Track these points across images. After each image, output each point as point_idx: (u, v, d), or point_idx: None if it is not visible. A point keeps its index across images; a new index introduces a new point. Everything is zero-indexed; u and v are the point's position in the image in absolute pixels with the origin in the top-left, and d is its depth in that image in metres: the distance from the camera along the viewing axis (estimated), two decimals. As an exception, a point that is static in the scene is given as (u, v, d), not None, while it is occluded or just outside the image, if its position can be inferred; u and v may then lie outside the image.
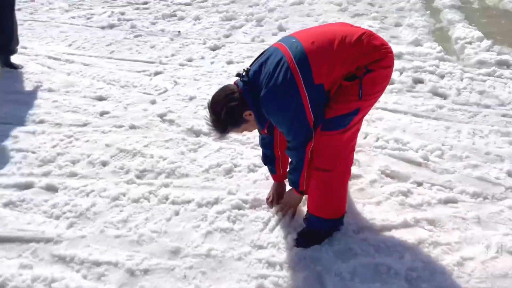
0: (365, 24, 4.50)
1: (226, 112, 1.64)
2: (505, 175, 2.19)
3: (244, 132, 2.01)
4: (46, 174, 2.35)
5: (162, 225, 2.00)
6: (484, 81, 3.23)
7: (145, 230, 1.97)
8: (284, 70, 1.58)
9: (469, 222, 1.91)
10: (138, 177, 2.32)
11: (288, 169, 1.87)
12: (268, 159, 2.03)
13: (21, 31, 5.02)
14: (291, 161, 1.82)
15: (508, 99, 2.97)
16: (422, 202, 2.04)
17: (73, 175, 2.34)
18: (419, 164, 2.32)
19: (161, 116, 2.94)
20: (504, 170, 2.22)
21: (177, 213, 2.07)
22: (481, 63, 3.49)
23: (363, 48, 1.62)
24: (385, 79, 1.72)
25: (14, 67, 3.87)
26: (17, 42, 3.92)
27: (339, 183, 1.79)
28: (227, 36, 4.56)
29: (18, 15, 5.67)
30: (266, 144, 1.99)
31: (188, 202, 2.13)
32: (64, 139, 2.68)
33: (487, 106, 2.89)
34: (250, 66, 1.75)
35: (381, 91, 1.73)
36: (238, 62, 3.85)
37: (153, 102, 3.16)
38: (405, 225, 1.91)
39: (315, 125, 1.64)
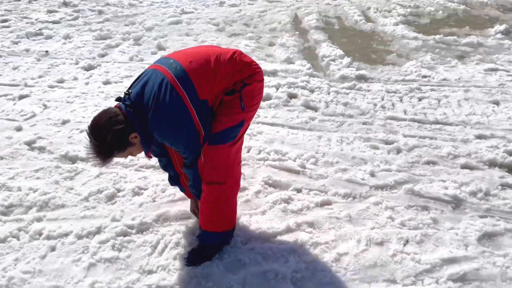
0: (242, 43, 4.73)
1: (112, 135, 1.55)
2: (368, 176, 2.48)
3: (129, 156, 1.94)
4: None
5: (35, 264, 1.80)
6: (347, 93, 3.62)
7: (15, 272, 1.75)
8: (169, 90, 1.58)
9: (342, 220, 2.11)
10: (3, 213, 2.06)
11: (188, 186, 1.87)
12: (173, 179, 2.01)
13: None
14: (188, 178, 1.83)
15: (367, 108, 3.38)
16: (302, 207, 2.19)
17: None
18: (297, 172, 2.49)
19: (29, 143, 2.66)
20: (367, 171, 2.51)
21: (53, 249, 1.88)
22: (344, 78, 3.91)
23: (237, 65, 1.72)
24: (260, 92, 1.84)
25: None
26: None
27: (231, 194, 1.85)
28: (102, 56, 4.37)
29: None
30: (166, 165, 1.96)
31: (66, 235, 1.95)
32: None
33: (351, 116, 3.24)
34: (130, 89, 1.70)
35: (258, 102, 1.85)
36: (116, 82, 3.70)
37: (19, 128, 2.85)
38: (288, 230, 2.03)
39: (204, 140, 1.68)
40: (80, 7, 6.12)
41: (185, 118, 1.60)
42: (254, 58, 4.14)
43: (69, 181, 2.34)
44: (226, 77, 1.70)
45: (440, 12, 6.11)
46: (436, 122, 3.13)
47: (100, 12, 5.93)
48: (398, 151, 2.75)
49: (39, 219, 2.04)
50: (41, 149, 2.62)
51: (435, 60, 4.30)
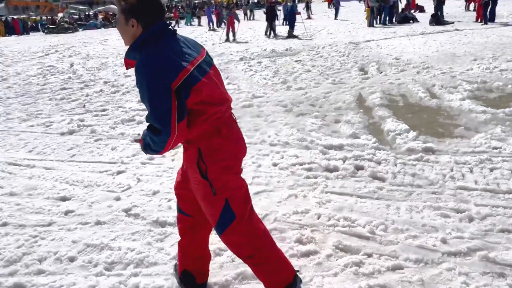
0: (309, 121, 5.09)
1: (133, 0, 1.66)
2: (440, 243, 2.50)
3: None
4: (12, 274, 2.35)
5: (133, 314, 2.05)
6: (415, 165, 3.72)
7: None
8: (190, 53, 1.71)
9: (415, 284, 2.14)
10: (107, 269, 2.38)
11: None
12: None
13: (-22, 140, 5.12)
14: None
15: (436, 179, 3.42)
16: (373, 271, 2.26)
17: (40, 272, 2.36)
18: (367, 238, 2.59)
19: (126, 211, 3.07)
20: (439, 238, 2.54)
21: (147, 301, 2.13)
22: (410, 151, 4.03)
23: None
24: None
25: None
26: None
27: (263, 258, 1.88)
28: (185, 137, 4.92)
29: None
30: None
31: (159, 288, 2.21)
32: (29, 239, 2.71)
33: (419, 186, 3.31)
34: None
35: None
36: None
37: (118, 198, 3.30)
38: (361, 292, 2.11)
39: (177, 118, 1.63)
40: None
41: (169, 79, 1.59)
42: (319, 135, 4.47)
43: (160, 242, 2.65)
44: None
45: (509, 86, 6.11)
46: (510, 192, 3.09)
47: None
48: (471, 219, 2.75)
49: (135, 275, 2.33)
50: (136, 216, 3.00)
51: (505, 132, 4.28)
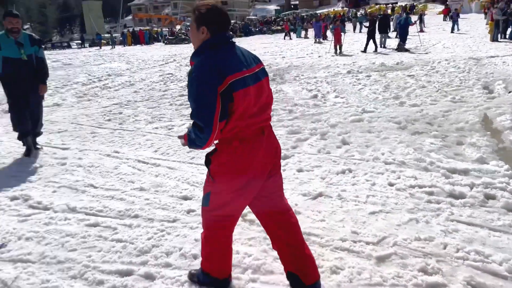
0: (427, 141, 4.77)
1: (207, 11, 1.94)
2: None
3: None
4: (143, 263, 2.58)
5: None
6: (559, 199, 3.24)
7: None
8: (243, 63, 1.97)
9: None
10: (226, 271, 2.48)
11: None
12: None
13: (112, 138, 5.78)
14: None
15: None
16: (514, 316, 2.01)
17: (168, 265, 2.55)
18: (505, 278, 2.31)
19: (243, 216, 3.17)
20: None
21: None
22: (552, 182, 3.52)
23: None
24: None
25: (37, 148, 5.14)
26: (41, 126, 5.20)
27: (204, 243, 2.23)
28: (294, 147, 4.96)
29: (109, 125, 6.56)
30: None
31: (276, 298, 2.23)
32: (157, 232, 2.95)
33: None
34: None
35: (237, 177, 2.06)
36: (308, 170, 4.14)
37: (233, 203, 3.43)
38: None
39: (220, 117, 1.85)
40: (274, 107, 7.16)
41: (215, 83, 1.81)
42: (440, 157, 4.15)
43: (275, 251, 2.67)
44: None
45: None
46: None
47: (290, 111, 6.81)
48: None
49: (254, 280, 2.39)
50: (251, 221, 3.09)
51: None
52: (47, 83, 5.09)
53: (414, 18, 22.57)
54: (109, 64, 17.08)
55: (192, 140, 1.93)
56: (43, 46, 5.14)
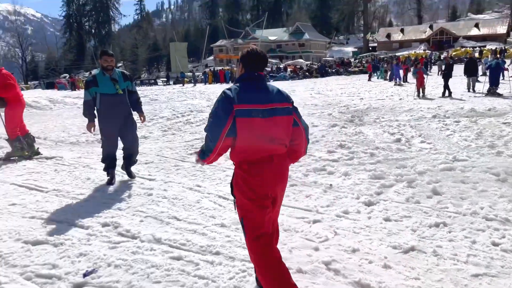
0: (533, 197, 4.25)
1: (248, 54, 2.46)
2: None
3: None
4: (226, 304, 2.51)
5: None
6: None
7: None
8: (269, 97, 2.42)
9: None
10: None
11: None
12: None
13: (194, 171, 5.94)
14: None
15: None
16: None
17: (250, 309, 2.46)
18: None
19: (326, 264, 3.01)
20: None
21: None
22: None
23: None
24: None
25: (132, 176, 5.48)
26: (137, 154, 5.58)
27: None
28: (379, 194, 4.70)
29: (191, 159, 6.78)
30: None
31: None
32: (239, 272, 2.90)
33: None
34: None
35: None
36: (396, 220, 3.86)
37: (316, 249, 3.29)
38: None
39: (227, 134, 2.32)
40: (354, 149, 6.95)
41: (229, 106, 2.30)
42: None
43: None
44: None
45: None
46: None
47: (372, 155, 6.55)
48: None
49: None
50: (336, 271, 2.91)
51: None
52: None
53: (506, 61, 21.12)
54: (191, 101, 18.06)
55: (202, 150, 2.46)
56: (134, 82, 5.61)
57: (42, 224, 3.92)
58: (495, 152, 6.28)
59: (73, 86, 38.22)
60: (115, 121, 5.11)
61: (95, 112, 5.09)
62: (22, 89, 25.02)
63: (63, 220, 4.01)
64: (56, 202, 4.59)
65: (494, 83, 14.27)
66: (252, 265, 3.00)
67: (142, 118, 5.45)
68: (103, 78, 5.02)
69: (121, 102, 5.11)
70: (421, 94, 15.15)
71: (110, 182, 5.29)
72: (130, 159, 5.48)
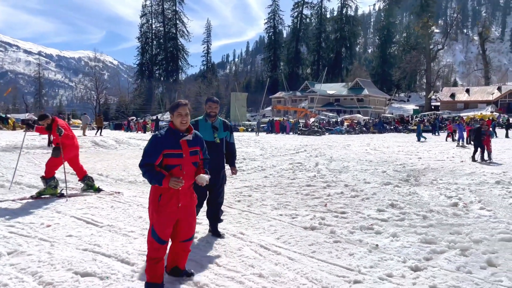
0: None
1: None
2: None
3: None
4: None
5: None
6: None
7: None
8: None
9: None
10: None
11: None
12: None
13: (239, 218, 6.04)
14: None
15: None
16: None
17: None
18: None
19: None
20: None
21: None
22: None
23: None
24: None
25: (220, 235, 5.02)
26: (222, 212, 5.23)
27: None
28: (427, 259, 4.46)
29: (238, 206, 6.91)
30: None
31: None
32: (271, 325, 2.86)
33: None
34: None
35: None
36: (443, 290, 3.64)
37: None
38: None
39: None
40: (406, 210, 6.70)
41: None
42: None
43: None
44: None
45: None
46: None
47: (425, 217, 6.26)
48: None
49: None
50: None
51: None
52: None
53: None
54: (245, 149, 18.51)
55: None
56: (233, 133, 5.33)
57: (93, 257, 4.16)
58: None
59: (144, 129, 40.84)
60: (210, 169, 4.94)
61: None
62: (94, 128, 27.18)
63: (112, 254, 4.23)
64: (109, 237, 4.87)
65: None
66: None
67: (233, 171, 5.22)
68: (204, 124, 4.92)
69: (216, 151, 4.88)
70: (486, 157, 14.38)
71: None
72: (216, 216, 5.12)
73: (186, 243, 3.54)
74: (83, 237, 4.81)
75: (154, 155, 3.25)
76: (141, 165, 3.28)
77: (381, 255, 4.56)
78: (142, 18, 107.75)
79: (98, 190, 7.57)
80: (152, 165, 3.24)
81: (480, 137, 14.58)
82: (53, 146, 7.24)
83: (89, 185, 7.49)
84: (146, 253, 4.24)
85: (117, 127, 49.12)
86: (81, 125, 28.51)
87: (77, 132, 29.31)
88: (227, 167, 5.24)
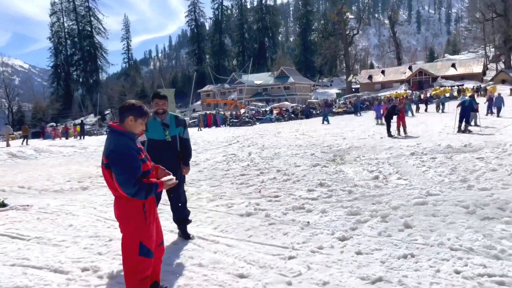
0: (497, 227, 4.47)
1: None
2: None
3: None
4: None
5: None
6: None
7: None
8: None
9: None
10: None
11: None
12: None
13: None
14: None
15: None
16: None
17: None
18: None
19: None
20: None
21: None
22: None
23: None
24: None
25: (189, 237, 4.78)
26: (188, 212, 4.96)
27: None
28: (353, 229, 4.87)
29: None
30: None
31: None
32: (213, 309, 2.99)
33: None
34: None
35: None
36: (367, 253, 4.02)
37: (289, 283, 3.41)
38: None
39: None
40: (333, 187, 7.17)
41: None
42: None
43: None
44: None
45: None
46: None
47: (350, 192, 6.76)
48: None
49: None
50: None
51: None
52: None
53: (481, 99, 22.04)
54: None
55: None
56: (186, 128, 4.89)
57: (23, 271, 3.97)
58: (466, 186, 6.56)
59: (66, 135, 38.27)
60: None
61: None
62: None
63: (43, 266, 4.07)
64: (37, 249, 4.65)
65: (466, 120, 14.87)
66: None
67: (184, 170, 4.79)
68: (153, 122, 4.54)
69: (168, 149, 4.59)
70: (401, 132, 15.65)
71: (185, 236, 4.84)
72: (183, 218, 4.87)
73: (162, 247, 3.29)
74: (9, 252, 4.55)
75: (139, 165, 2.86)
76: (133, 184, 2.77)
77: (312, 230, 4.88)
78: (52, 17, 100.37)
79: (3, 205, 7.01)
80: (140, 179, 2.83)
81: (392, 115, 15.84)
82: None
83: None
84: (81, 260, 4.16)
85: (35, 135, 45.63)
86: (4, 137, 26.55)
87: (2, 144, 27.26)
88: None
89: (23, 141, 25.90)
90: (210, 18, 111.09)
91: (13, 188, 9.30)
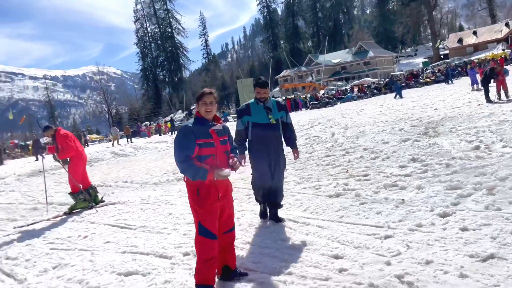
0: None
1: None
2: None
3: None
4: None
5: None
6: None
7: None
8: None
9: None
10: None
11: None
12: None
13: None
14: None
15: None
16: None
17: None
18: None
19: (399, 277, 2.97)
20: None
21: None
22: None
23: None
24: None
25: (280, 220, 4.79)
26: (282, 197, 4.97)
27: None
28: (455, 204, 4.49)
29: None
30: None
31: None
32: (310, 290, 2.98)
33: None
34: None
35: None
36: (474, 229, 3.68)
37: (388, 263, 3.26)
38: None
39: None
40: (427, 162, 6.69)
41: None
42: None
43: None
44: None
45: None
46: None
47: (448, 165, 6.25)
48: None
49: None
50: (410, 284, 2.87)
51: None
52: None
53: None
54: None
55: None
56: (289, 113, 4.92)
57: (132, 257, 4.34)
58: None
59: (159, 131, 41.35)
60: (269, 152, 4.64)
61: (246, 144, 4.75)
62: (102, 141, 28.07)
63: (150, 252, 4.41)
64: (143, 237, 5.05)
65: None
66: (322, 282, 3.09)
67: (295, 154, 4.97)
68: (256, 106, 4.66)
69: (273, 133, 4.65)
70: (503, 96, 14.08)
71: (263, 214, 5.03)
72: (275, 202, 4.87)
73: (229, 234, 3.35)
74: (119, 241, 5.00)
75: (191, 146, 3.02)
76: (181, 161, 3.00)
77: (408, 208, 4.61)
78: (136, 23, 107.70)
79: (101, 201, 7.68)
80: (192, 159, 3.01)
81: (490, 78, 14.27)
82: (55, 156, 7.31)
83: (83, 199, 7.41)
84: (182, 246, 4.43)
85: (133, 134, 49.80)
86: (111, 137, 31.27)
87: (107, 144, 30.94)
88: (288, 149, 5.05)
89: (127, 140, 30.11)
90: (282, 3, 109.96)
91: (118, 183, 10.24)
